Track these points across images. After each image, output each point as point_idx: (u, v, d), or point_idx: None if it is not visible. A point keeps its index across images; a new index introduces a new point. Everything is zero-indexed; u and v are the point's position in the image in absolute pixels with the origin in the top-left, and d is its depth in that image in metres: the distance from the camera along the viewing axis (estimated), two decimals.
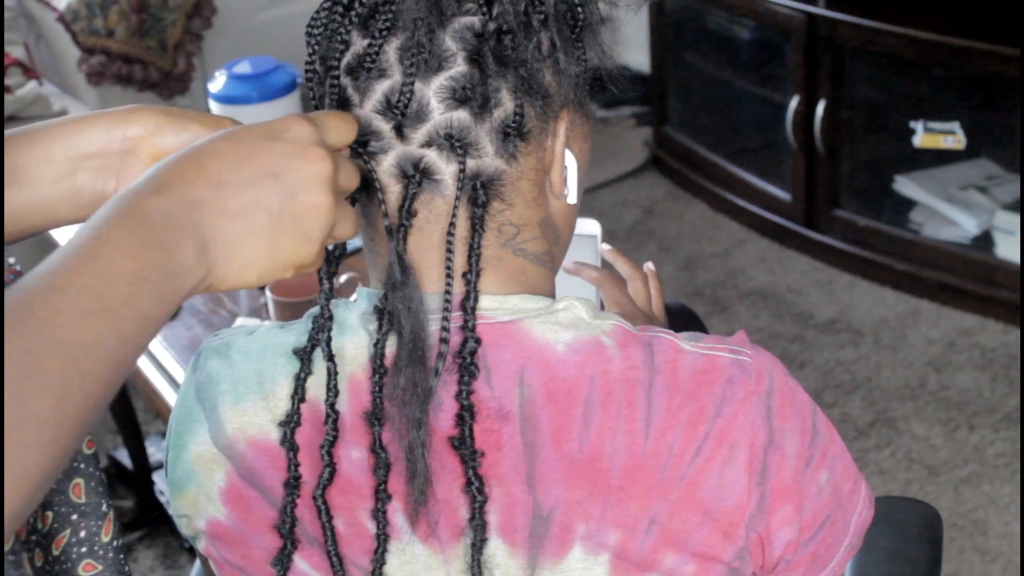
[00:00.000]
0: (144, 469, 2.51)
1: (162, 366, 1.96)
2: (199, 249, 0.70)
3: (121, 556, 0.85)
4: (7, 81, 3.21)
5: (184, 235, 0.69)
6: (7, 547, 0.78)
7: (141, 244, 0.67)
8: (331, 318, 0.85)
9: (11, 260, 0.80)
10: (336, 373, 0.84)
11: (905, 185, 3.18)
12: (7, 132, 0.83)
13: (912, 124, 3.14)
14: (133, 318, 0.65)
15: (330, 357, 0.83)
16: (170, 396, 1.92)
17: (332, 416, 0.84)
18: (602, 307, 1.21)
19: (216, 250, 0.71)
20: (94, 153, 0.83)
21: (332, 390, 0.83)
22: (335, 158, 0.76)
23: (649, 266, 1.25)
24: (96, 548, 0.84)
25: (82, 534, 0.83)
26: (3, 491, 0.57)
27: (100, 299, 0.63)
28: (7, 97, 3.15)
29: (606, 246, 1.26)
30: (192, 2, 3.38)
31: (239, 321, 1.98)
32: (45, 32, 3.39)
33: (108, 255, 0.65)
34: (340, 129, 0.79)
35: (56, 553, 0.82)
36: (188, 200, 0.70)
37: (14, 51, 3.37)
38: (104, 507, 0.85)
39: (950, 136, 3.08)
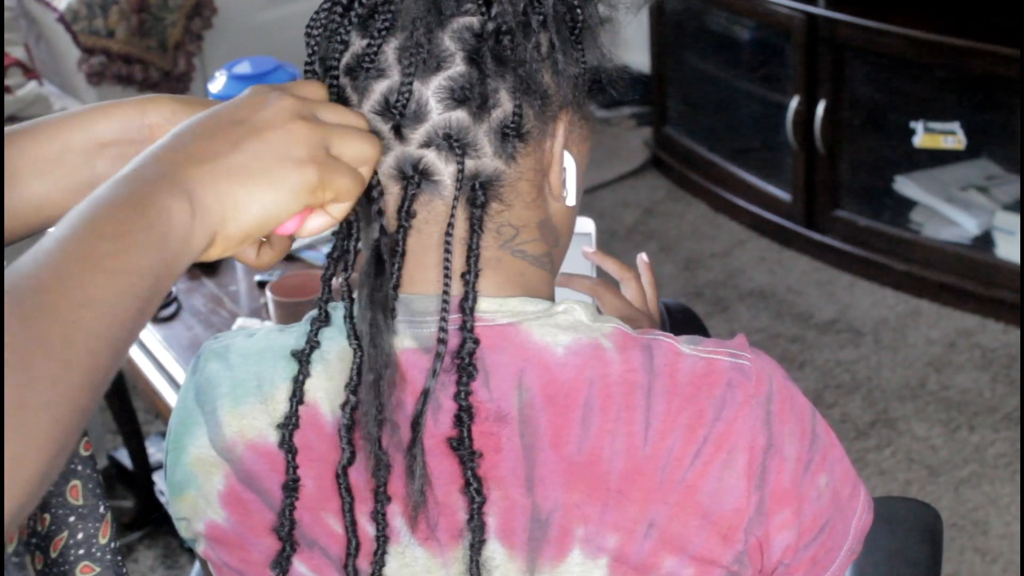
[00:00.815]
0: (144, 469, 2.51)
1: (162, 366, 1.96)
2: (182, 198, 0.70)
3: (119, 558, 0.85)
4: (7, 81, 3.21)
5: (163, 189, 0.70)
6: (10, 549, 0.78)
7: (118, 204, 0.68)
8: (328, 320, 0.86)
9: None
10: (362, 351, 0.83)
11: (905, 185, 3.18)
12: (25, 124, 0.84)
13: (912, 124, 3.14)
14: (125, 272, 0.66)
15: (354, 333, 0.83)
16: (170, 396, 1.92)
17: (352, 402, 0.83)
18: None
19: (203, 193, 0.72)
20: (111, 141, 0.85)
21: (353, 375, 0.83)
22: (303, 101, 0.78)
23: (642, 257, 1.24)
24: (94, 550, 0.84)
25: (80, 536, 0.83)
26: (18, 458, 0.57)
27: (85, 260, 0.64)
28: (7, 97, 3.15)
29: (590, 250, 1.25)
30: (192, 2, 3.38)
31: (239, 321, 1.98)
32: (45, 32, 3.39)
33: (86, 221, 0.66)
34: (310, 88, 0.81)
35: (54, 555, 0.82)
36: (164, 161, 0.72)
37: (14, 51, 3.37)
38: (102, 509, 0.84)
39: (950, 136, 3.08)
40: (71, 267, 0.64)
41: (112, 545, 0.84)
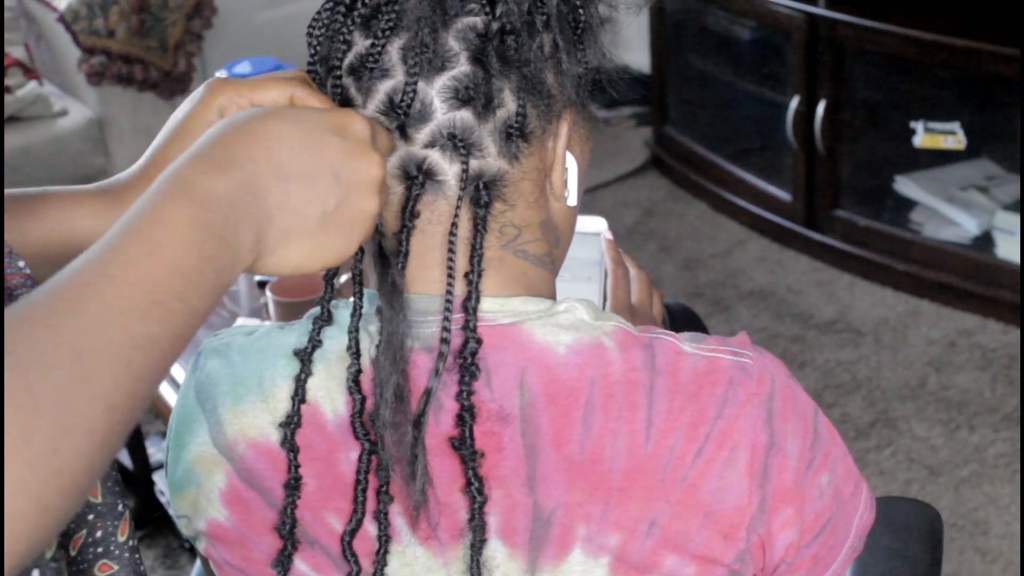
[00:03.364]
0: (144, 469, 2.51)
1: None
2: (255, 240, 0.69)
3: (137, 556, 0.85)
4: (7, 81, 3.21)
5: (244, 226, 0.68)
6: (49, 555, 0.77)
7: (202, 236, 0.65)
8: (330, 318, 0.86)
9: (21, 264, 0.80)
10: (356, 329, 0.84)
11: (905, 185, 3.18)
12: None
13: (912, 124, 3.14)
14: (185, 313, 0.63)
15: (360, 293, 0.84)
16: (170, 396, 1.92)
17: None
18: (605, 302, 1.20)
19: (267, 241, 0.71)
20: None
21: (354, 350, 0.84)
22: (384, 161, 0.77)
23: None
24: (112, 548, 0.83)
25: (98, 534, 0.83)
26: (57, 499, 0.55)
27: (155, 294, 0.61)
28: (7, 97, 3.15)
29: (609, 236, 1.24)
30: (192, 2, 3.38)
31: (239, 321, 1.98)
32: (45, 32, 3.39)
33: (167, 246, 0.63)
34: (384, 136, 0.80)
35: (73, 553, 0.82)
36: (252, 186, 0.69)
37: (14, 51, 3.37)
38: (120, 507, 0.84)
39: (950, 136, 3.08)
40: (138, 299, 0.61)
41: (130, 543, 0.84)
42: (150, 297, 0.61)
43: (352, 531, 0.85)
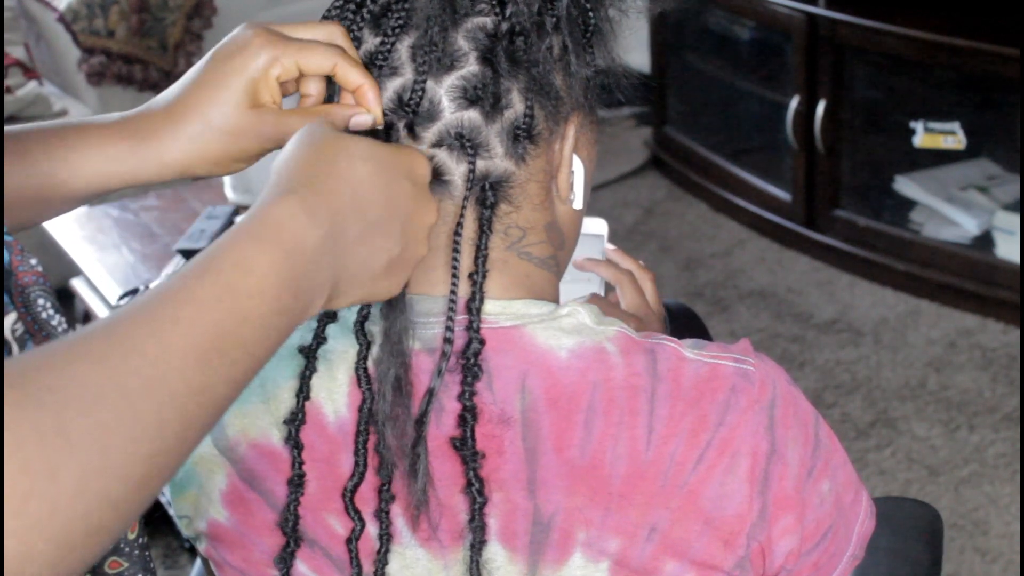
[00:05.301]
0: None
1: None
2: (328, 293, 0.69)
3: (147, 553, 0.84)
4: (7, 81, 3.21)
5: (322, 279, 0.68)
6: None
7: (281, 287, 0.63)
8: (333, 317, 0.86)
9: (33, 261, 0.80)
10: (364, 337, 0.84)
11: (905, 185, 3.18)
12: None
13: (912, 124, 3.14)
14: (247, 363, 0.61)
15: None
16: None
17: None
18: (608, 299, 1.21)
19: (336, 288, 0.71)
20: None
21: (360, 365, 0.84)
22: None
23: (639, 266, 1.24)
24: (122, 545, 0.83)
25: None
26: (87, 547, 0.53)
27: (221, 342, 0.59)
28: (7, 97, 3.15)
29: (611, 247, 1.25)
30: (192, 2, 3.38)
31: None
32: (45, 32, 3.39)
33: (243, 294, 0.61)
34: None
35: None
36: (337, 238, 0.69)
37: (14, 51, 3.37)
38: None
39: (950, 136, 3.08)
40: (203, 347, 0.58)
41: (140, 540, 0.83)
42: (215, 345, 0.59)
43: (355, 486, 0.85)
